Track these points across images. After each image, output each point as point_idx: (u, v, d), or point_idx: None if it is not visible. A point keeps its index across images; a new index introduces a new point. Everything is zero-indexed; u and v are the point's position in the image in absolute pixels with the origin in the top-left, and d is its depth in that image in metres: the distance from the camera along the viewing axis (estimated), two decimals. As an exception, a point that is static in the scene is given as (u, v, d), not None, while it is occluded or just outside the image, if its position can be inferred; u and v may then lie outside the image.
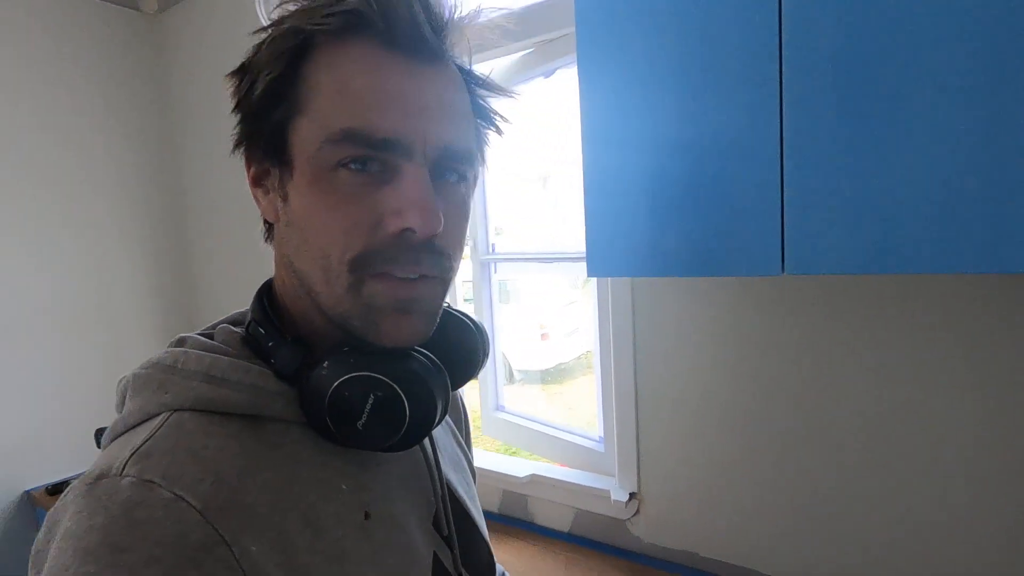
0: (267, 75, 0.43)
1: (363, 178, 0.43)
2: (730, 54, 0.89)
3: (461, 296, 2.39)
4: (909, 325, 1.09)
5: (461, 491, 0.64)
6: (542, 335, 4.85)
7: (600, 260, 1.05)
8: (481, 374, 1.11)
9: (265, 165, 0.47)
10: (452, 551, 0.56)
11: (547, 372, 5.07)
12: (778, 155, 0.86)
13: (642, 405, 1.41)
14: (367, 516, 0.48)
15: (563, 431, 1.71)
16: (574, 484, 1.54)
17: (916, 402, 1.09)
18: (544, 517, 1.64)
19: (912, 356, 1.09)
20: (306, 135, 0.43)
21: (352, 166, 0.43)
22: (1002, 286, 1.01)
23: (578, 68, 1.03)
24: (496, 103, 0.53)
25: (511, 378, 4.58)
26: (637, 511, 1.45)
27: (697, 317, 1.30)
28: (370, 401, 0.44)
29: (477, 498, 0.70)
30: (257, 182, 0.49)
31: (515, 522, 1.67)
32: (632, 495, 1.44)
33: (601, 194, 1.04)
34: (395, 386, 0.44)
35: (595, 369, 1.59)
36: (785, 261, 0.87)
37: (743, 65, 0.88)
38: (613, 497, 1.45)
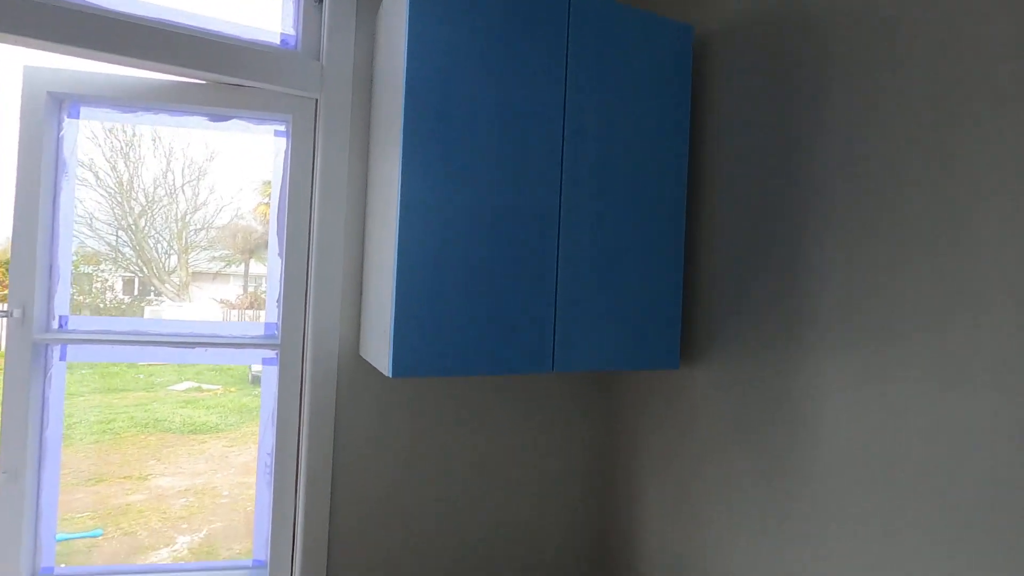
0: None
1: None
2: (525, 199, 1.11)
3: None
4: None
5: None
6: None
7: (407, 360, 1.01)
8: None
9: None
10: None
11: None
12: (554, 281, 1.13)
13: (336, 507, 1.30)
14: None
15: (199, 570, 1.29)
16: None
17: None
18: None
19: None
20: None
21: None
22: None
23: (401, 182, 1.01)
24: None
25: None
26: (320, 632, 1.29)
27: (393, 419, 1.35)
28: None
29: None
30: None
31: None
32: (319, 615, 1.28)
33: (412, 298, 1.02)
34: None
35: (263, 477, 1.32)
36: (555, 361, 1.14)
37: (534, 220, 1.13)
38: (298, 627, 1.23)
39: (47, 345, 1.22)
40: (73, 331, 1.24)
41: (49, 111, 1.20)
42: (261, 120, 1.31)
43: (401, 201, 1.01)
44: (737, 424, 1.18)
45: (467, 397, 1.42)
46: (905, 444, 0.87)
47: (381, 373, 1.33)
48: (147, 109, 1.26)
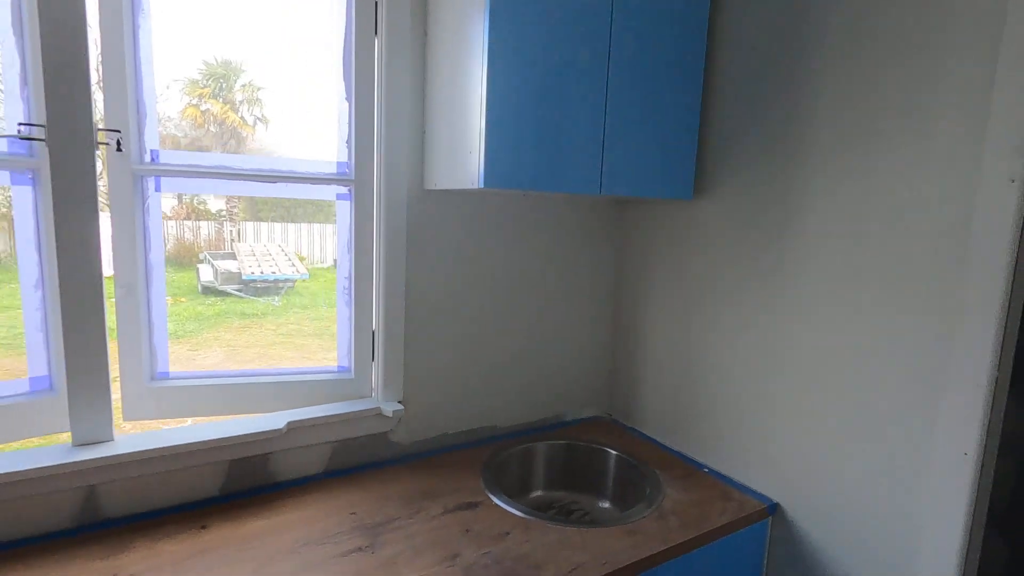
0: None
1: None
2: (580, 60, 1.31)
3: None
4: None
5: None
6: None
7: (495, 173, 1.23)
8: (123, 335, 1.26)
9: None
10: None
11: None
12: (603, 120, 1.36)
13: (409, 316, 1.55)
14: None
15: (292, 374, 1.52)
16: (337, 415, 1.47)
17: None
18: (293, 470, 1.44)
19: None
20: None
21: None
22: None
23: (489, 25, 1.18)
24: None
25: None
26: (400, 420, 1.58)
27: (453, 241, 1.58)
28: None
29: None
30: None
31: (252, 492, 1.38)
32: (400, 402, 1.56)
33: (500, 124, 1.23)
34: None
35: (342, 297, 1.54)
36: (602, 184, 1.39)
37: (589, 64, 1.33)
38: (385, 412, 1.51)
39: (143, 176, 1.34)
40: (166, 164, 1.36)
41: (123, -57, 1.23)
42: (324, -35, 1.40)
43: (489, 48, 1.19)
44: (736, 241, 1.50)
45: (512, 218, 1.68)
46: (878, 219, 1.21)
47: (443, 203, 1.54)
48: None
